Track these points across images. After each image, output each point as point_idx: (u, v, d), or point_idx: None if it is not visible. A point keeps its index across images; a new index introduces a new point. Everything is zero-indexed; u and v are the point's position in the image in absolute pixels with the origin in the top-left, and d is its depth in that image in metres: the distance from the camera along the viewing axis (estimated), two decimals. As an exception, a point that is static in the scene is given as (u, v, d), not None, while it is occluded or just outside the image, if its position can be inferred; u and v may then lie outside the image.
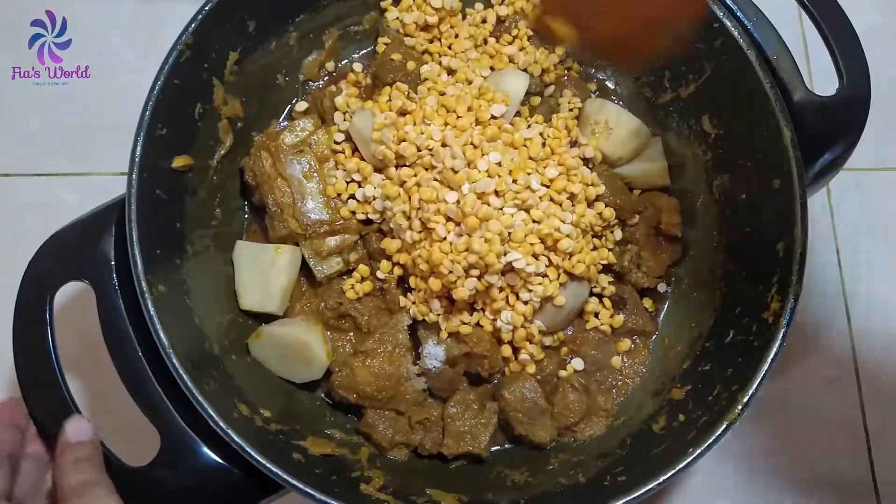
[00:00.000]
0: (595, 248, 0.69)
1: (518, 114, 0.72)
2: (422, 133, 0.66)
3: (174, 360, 0.57)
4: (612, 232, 0.71)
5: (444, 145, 0.66)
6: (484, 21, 0.75)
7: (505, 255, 0.62)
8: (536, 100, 0.74)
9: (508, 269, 0.63)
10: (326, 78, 0.77)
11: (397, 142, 0.66)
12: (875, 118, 0.64)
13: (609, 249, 0.70)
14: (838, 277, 0.78)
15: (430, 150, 0.66)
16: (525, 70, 0.73)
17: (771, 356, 0.59)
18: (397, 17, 0.74)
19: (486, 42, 0.75)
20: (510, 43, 0.75)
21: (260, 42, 0.70)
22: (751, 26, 0.67)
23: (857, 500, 0.72)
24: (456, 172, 0.64)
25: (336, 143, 0.71)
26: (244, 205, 0.73)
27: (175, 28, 0.62)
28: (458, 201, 0.63)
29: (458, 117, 0.67)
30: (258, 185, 0.69)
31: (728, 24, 0.66)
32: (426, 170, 0.66)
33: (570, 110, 0.74)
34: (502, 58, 0.74)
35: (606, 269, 0.70)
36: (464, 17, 0.76)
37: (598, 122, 0.71)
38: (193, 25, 0.63)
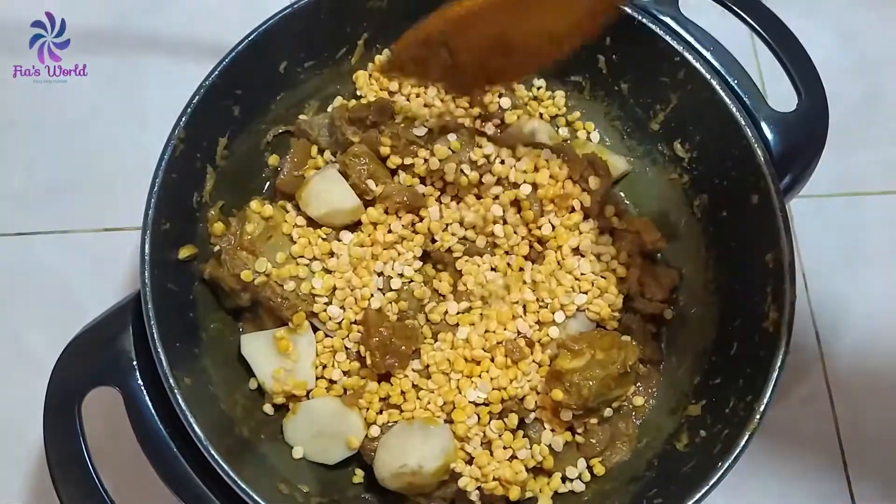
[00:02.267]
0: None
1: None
2: None
3: (213, 452, 0.57)
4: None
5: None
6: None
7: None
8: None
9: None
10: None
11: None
12: (829, 145, 0.68)
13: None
14: (806, 299, 0.82)
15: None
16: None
17: (778, 364, 0.62)
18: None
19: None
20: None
21: (246, 123, 0.72)
22: (709, 55, 0.71)
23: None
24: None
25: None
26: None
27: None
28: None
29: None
30: (244, 287, 0.67)
31: (688, 56, 0.70)
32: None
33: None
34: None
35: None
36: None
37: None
38: (184, 119, 0.65)
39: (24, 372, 0.76)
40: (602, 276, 0.71)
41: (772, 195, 0.66)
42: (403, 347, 0.66)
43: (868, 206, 0.87)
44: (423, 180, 0.71)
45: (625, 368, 0.66)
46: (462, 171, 0.70)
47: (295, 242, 0.69)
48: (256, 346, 0.67)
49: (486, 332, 0.68)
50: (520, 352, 0.67)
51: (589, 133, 0.80)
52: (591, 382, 0.64)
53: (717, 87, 0.69)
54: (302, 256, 0.68)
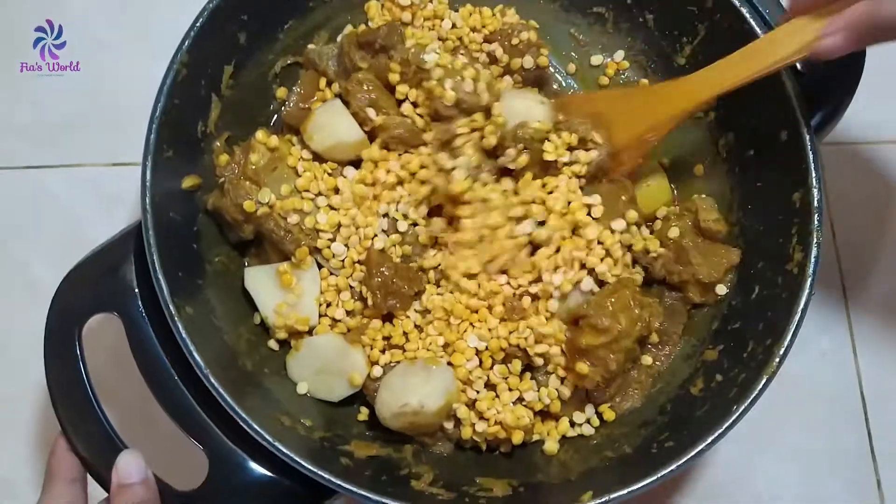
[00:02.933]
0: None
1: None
2: None
3: (213, 380, 0.57)
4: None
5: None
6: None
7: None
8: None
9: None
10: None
11: None
12: (864, 88, 0.63)
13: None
14: (833, 250, 0.78)
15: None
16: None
17: (801, 306, 0.59)
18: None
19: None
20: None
21: (252, 53, 0.69)
22: (739, -18, 0.67)
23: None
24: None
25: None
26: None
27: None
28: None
29: None
30: (247, 218, 0.65)
31: (718, -18, 0.66)
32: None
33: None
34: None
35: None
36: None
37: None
38: (187, 43, 0.63)
39: (32, 303, 0.74)
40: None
41: (802, 131, 0.62)
42: (405, 289, 0.64)
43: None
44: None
45: (649, 331, 0.64)
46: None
47: (300, 176, 0.67)
48: (259, 280, 0.66)
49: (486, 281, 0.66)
50: (520, 312, 0.65)
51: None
52: (619, 355, 0.62)
53: (748, 16, 0.65)
54: (307, 191, 0.67)
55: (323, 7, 0.73)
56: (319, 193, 0.67)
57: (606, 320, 0.62)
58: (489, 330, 0.64)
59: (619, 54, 0.76)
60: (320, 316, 0.66)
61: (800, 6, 0.58)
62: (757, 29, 0.65)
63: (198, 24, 0.63)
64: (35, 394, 0.73)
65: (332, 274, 0.67)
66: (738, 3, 0.65)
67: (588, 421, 0.66)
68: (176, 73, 0.62)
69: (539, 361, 0.64)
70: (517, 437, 0.62)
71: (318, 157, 0.68)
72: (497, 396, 0.64)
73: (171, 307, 0.58)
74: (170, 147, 0.62)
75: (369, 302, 0.64)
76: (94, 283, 0.60)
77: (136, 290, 0.60)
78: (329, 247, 0.66)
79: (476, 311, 0.65)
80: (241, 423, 0.56)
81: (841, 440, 0.74)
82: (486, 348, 0.64)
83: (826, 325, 0.77)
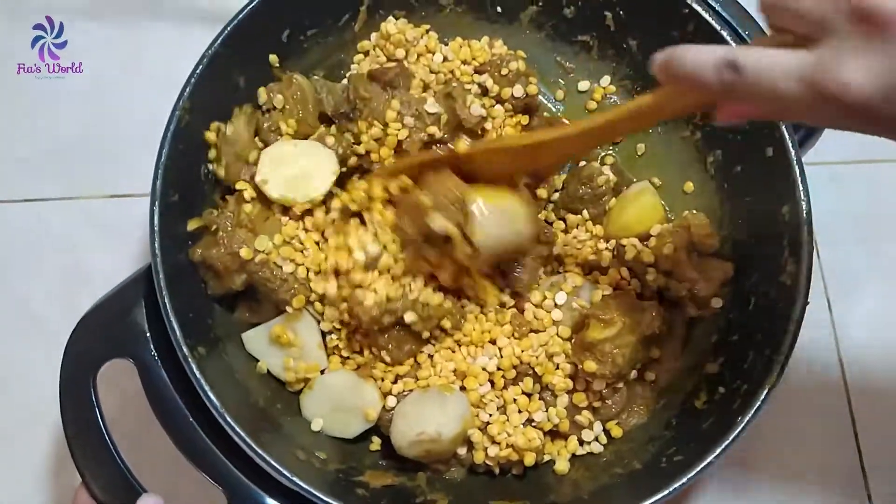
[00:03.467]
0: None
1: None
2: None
3: (229, 419, 0.57)
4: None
5: None
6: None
7: None
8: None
9: None
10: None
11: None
12: None
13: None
14: (818, 268, 0.80)
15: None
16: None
17: (797, 315, 0.61)
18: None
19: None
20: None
21: (252, 95, 0.71)
22: (718, 7, 0.69)
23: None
24: None
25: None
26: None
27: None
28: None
29: None
30: (241, 267, 0.64)
31: (698, 8, 0.69)
32: None
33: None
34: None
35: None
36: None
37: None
38: (188, 89, 0.64)
39: (33, 337, 0.77)
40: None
41: (787, 146, 0.65)
42: (409, 347, 0.65)
43: (884, 174, 0.84)
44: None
45: (652, 330, 0.65)
46: None
47: (285, 224, 0.66)
48: (259, 342, 0.66)
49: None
50: (527, 326, 0.67)
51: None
52: (625, 350, 0.63)
53: (729, 40, 0.68)
54: (294, 238, 0.66)
55: (317, 47, 0.75)
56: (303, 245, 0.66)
57: (610, 314, 0.64)
58: (500, 349, 0.66)
59: (606, 79, 0.79)
60: (329, 354, 0.67)
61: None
62: (733, 45, 0.67)
63: (198, 70, 0.65)
64: (44, 430, 0.73)
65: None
66: (718, 27, 0.68)
67: (597, 438, 0.67)
68: (179, 118, 0.63)
69: (551, 379, 0.65)
70: (529, 459, 0.64)
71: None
72: (507, 419, 0.65)
73: (185, 349, 0.58)
74: (175, 191, 0.63)
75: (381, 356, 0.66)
76: (107, 329, 0.61)
77: (148, 335, 0.61)
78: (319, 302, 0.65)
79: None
80: (259, 461, 0.57)
81: (831, 456, 0.75)
82: (499, 368, 0.65)
83: (813, 342, 0.77)
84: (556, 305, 0.68)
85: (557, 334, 0.68)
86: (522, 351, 0.66)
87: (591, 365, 0.63)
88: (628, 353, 0.64)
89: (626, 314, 0.65)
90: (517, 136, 0.72)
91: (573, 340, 0.66)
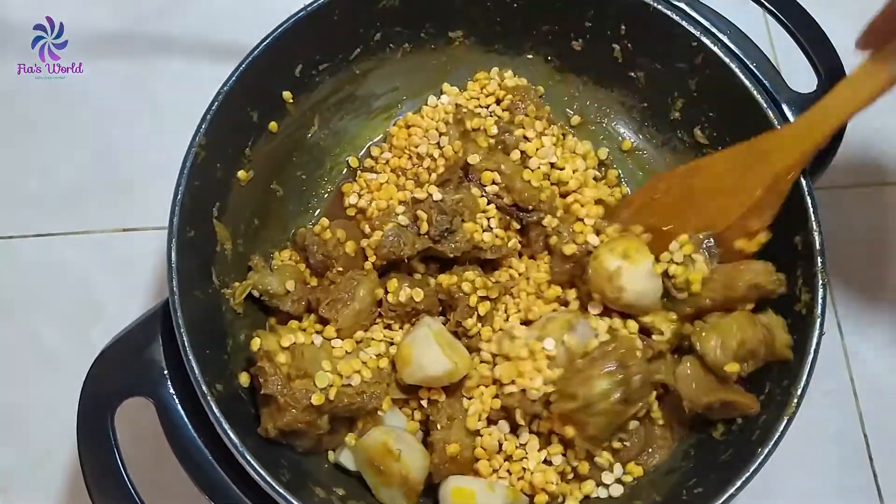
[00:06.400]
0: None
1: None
2: None
3: (249, 459, 0.57)
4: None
5: None
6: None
7: None
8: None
9: None
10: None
11: None
12: (848, 133, 0.66)
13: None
14: (828, 293, 0.79)
15: None
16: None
17: (813, 346, 0.61)
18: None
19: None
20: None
21: (265, 127, 0.72)
22: (726, 39, 0.71)
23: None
24: None
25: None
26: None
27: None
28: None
29: None
30: (318, 411, 0.62)
31: (706, 40, 0.70)
32: None
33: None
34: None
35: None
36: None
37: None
38: (204, 126, 0.64)
39: (46, 373, 0.76)
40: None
41: (799, 176, 0.65)
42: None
43: (891, 196, 0.85)
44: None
45: (631, 395, 0.61)
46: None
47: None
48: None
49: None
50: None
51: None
52: (598, 419, 0.60)
53: (737, 71, 0.69)
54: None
55: (329, 80, 0.75)
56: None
57: (573, 388, 0.61)
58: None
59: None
60: None
61: (870, 43, 0.59)
62: (747, 82, 0.68)
63: (213, 107, 0.65)
64: (59, 467, 0.73)
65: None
66: (727, 60, 0.69)
67: (618, 480, 0.65)
68: (195, 155, 0.64)
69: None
70: (541, 500, 0.63)
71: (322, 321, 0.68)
72: (526, 455, 0.64)
73: (203, 387, 0.58)
74: (191, 228, 0.63)
75: None
76: (124, 367, 0.61)
77: (166, 372, 0.60)
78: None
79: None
80: (279, 500, 0.57)
81: (847, 480, 0.75)
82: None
83: (826, 366, 0.77)
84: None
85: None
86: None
87: (568, 430, 0.62)
88: (602, 421, 0.61)
89: (596, 381, 0.61)
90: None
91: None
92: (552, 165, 0.72)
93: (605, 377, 0.61)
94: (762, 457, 0.59)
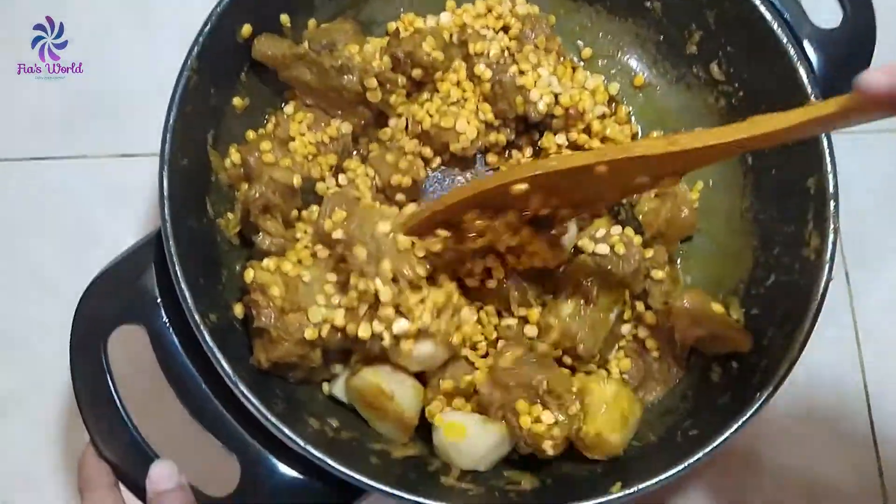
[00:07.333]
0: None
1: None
2: None
3: (242, 388, 0.57)
4: None
5: None
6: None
7: None
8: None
9: None
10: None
11: None
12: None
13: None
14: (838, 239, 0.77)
15: None
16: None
17: (820, 291, 0.60)
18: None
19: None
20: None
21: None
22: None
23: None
24: None
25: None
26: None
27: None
28: None
29: None
30: (312, 345, 0.61)
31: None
32: None
33: None
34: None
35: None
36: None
37: None
38: (196, 49, 0.62)
39: (41, 297, 0.76)
40: None
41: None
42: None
43: None
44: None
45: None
46: None
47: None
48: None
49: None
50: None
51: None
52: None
53: (757, 2, 0.65)
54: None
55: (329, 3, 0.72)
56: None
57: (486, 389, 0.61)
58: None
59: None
60: None
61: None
62: (767, 15, 0.65)
63: (206, 29, 0.63)
64: (54, 391, 0.73)
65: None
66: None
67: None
68: (187, 79, 0.61)
69: None
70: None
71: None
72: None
73: (196, 317, 0.57)
74: (184, 156, 0.62)
75: None
76: (117, 295, 0.60)
77: (159, 300, 0.60)
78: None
79: None
80: (272, 429, 0.57)
81: (843, 425, 0.74)
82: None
83: (829, 313, 0.74)
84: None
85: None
86: None
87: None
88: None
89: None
90: (655, 142, 0.53)
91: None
92: (556, 98, 0.69)
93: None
94: (761, 401, 0.58)
